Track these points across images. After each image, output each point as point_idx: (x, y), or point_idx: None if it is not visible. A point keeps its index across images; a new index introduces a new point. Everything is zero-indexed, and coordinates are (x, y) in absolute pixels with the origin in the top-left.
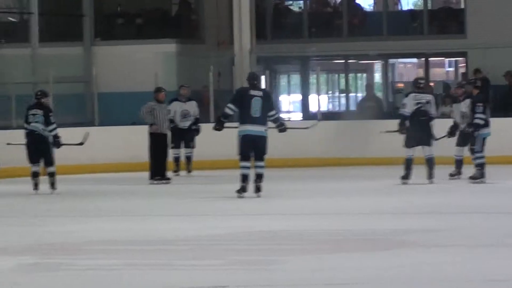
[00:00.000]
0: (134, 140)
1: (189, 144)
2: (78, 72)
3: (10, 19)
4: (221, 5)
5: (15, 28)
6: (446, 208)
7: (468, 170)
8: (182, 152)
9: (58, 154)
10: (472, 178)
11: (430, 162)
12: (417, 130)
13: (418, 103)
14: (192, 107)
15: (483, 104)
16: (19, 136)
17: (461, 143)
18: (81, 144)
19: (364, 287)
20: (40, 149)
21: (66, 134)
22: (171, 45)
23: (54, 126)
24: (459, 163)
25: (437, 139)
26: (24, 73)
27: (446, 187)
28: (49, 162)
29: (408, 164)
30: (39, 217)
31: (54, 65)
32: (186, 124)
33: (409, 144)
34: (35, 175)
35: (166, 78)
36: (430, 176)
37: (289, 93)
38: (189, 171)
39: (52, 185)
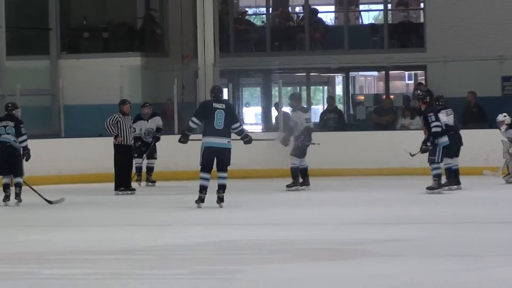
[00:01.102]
0: (99, 152)
1: (153, 155)
2: (44, 85)
3: None
4: (185, 19)
5: None
6: (405, 219)
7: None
8: (144, 162)
9: (25, 165)
10: (429, 188)
11: (306, 171)
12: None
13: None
14: (155, 122)
15: (434, 113)
16: None
17: (447, 154)
18: (50, 202)
19: None
20: (10, 161)
21: (33, 145)
22: (136, 58)
23: (24, 137)
24: (448, 173)
25: (413, 155)
26: None
27: (406, 197)
28: (18, 173)
29: (297, 172)
30: (1, 228)
31: (21, 78)
32: (150, 140)
33: (303, 154)
34: (6, 186)
35: (131, 91)
36: (305, 183)
37: (251, 106)
38: (150, 181)
39: (17, 195)
